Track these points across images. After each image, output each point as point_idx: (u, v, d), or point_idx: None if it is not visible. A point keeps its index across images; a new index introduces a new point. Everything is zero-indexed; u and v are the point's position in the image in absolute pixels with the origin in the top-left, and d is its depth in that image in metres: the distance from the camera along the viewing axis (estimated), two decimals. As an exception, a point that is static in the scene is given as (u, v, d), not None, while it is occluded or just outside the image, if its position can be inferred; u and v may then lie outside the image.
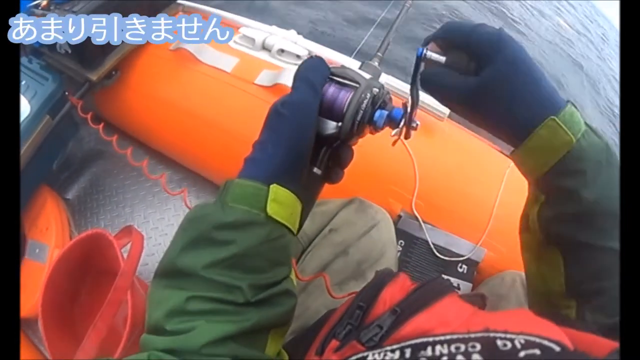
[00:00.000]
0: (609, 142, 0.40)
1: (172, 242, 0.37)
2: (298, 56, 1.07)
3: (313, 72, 0.42)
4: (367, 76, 0.44)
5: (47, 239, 1.02)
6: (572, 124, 0.38)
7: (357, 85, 0.42)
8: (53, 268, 0.84)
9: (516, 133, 0.41)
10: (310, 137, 0.40)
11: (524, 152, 0.41)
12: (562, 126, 0.38)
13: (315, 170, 0.44)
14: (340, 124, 0.42)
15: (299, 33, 1.13)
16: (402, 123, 0.43)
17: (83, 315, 0.93)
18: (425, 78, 0.43)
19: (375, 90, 0.43)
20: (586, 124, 0.40)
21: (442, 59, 0.42)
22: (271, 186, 0.37)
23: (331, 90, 0.43)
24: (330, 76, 0.43)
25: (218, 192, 0.38)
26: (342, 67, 0.45)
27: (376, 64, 0.51)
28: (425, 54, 0.43)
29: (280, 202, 0.37)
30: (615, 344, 0.27)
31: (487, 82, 0.39)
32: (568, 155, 0.39)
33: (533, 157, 0.41)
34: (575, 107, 0.40)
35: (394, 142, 0.45)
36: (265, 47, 1.10)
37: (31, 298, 0.90)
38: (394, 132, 0.44)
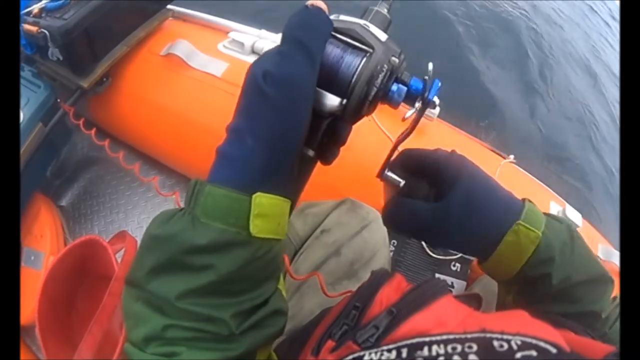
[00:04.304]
0: (569, 224, 0.43)
1: (137, 256, 0.31)
2: (288, 59, 1.08)
3: (310, 31, 0.30)
4: (383, 36, 0.33)
5: (42, 246, 1.03)
6: (535, 221, 0.40)
7: (370, 50, 0.32)
8: (48, 275, 0.85)
9: (484, 245, 0.42)
10: (304, 123, 0.31)
11: (494, 261, 0.42)
12: (527, 226, 0.40)
13: (309, 152, 0.35)
14: (344, 101, 0.32)
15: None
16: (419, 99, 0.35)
17: (80, 321, 0.93)
18: (389, 215, 0.45)
19: (394, 60, 0.32)
20: (544, 213, 0.43)
21: (401, 181, 0.44)
22: (254, 196, 0.29)
23: (334, 52, 0.32)
24: (332, 32, 0.33)
25: (186, 197, 0.30)
26: (347, 21, 0.33)
27: (385, 11, 0.37)
28: (386, 175, 0.44)
29: (266, 214, 0.30)
30: (611, 348, 0.28)
31: (450, 206, 0.41)
32: (537, 250, 0.40)
33: (504, 262, 0.42)
34: (531, 202, 0.42)
35: (405, 119, 0.38)
36: (254, 51, 1.11)
37: (28, 305, 0.90)
38: (409, 113, 0.36)
